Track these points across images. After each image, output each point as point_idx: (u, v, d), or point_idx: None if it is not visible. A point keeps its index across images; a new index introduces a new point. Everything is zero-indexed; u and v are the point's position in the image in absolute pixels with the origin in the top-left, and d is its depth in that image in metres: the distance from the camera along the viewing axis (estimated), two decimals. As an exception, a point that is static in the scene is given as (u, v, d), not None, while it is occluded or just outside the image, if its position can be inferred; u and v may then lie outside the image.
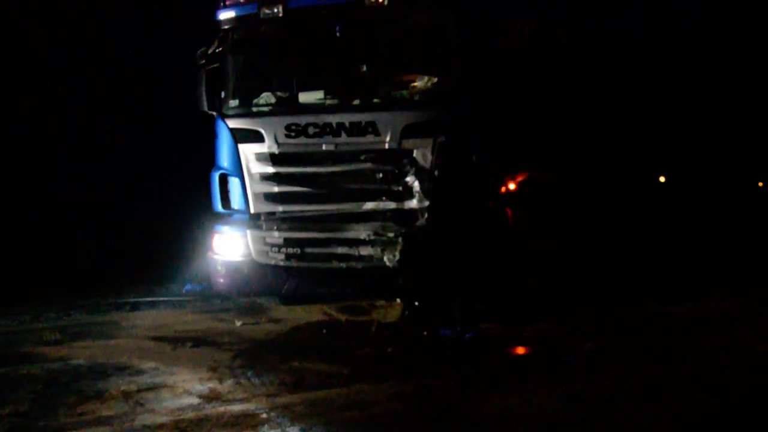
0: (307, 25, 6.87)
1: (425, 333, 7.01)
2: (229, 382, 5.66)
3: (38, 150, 10.14)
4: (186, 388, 5.55)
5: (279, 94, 6.96)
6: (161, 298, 8.71)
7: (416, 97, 6.73)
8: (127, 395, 5.37)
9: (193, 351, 6.55)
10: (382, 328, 7.25)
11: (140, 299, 8.69)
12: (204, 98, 7.20)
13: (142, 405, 5.20)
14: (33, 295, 8.88)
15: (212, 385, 5.60)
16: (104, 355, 6.40)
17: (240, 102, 7.04)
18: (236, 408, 5.11)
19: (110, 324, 7.56)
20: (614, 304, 7.78)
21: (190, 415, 4.99)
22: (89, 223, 10.13)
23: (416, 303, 7.45)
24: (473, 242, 7.02)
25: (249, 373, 5.88)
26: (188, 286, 9.34)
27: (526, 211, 11.75)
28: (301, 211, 6.86)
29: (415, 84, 6.77)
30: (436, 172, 6.72)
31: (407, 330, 7.16)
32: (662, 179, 12.36)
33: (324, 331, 7.22)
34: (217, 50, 6.98)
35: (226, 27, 6.97)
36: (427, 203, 6.66)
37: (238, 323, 7.53)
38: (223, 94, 7.08)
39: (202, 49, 7.11)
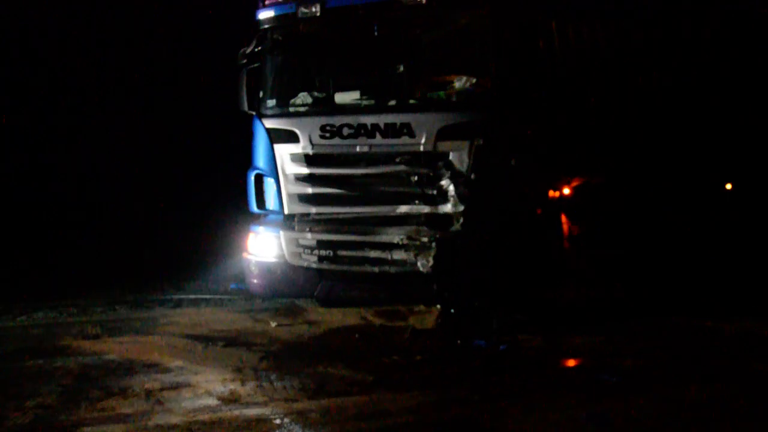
0: (345, 24, 6.78)
1: (458, 342, 6.80)
2: (251, 385, 5.63)
3: (87, 146, 10.48)
4: (208, 388, 5.55)
5: (315, 94, 6.91)
6: (204, 296, 8.82)
7: (453, 99, 6.53)
8: (149, 393, 5.42)
9: (223, 351, 6.56)
10: (416, 334, 7.07)
11: (184, 296, 8.83)
12: (245, 98, 7.22)
13: (161, 404, 5.23)
14: (85, 288, 9.16)
15: (234, 386, 5.58)
16: (137, 351, 6.50)
17: (277, 102, 7.03)
18: (252, 412, 5.07)
19: (149, 320, 7.69)
20: (662, 318, 7.33)
21: (205, 416, 4.97)
22: (142, 220, 10.37)
23: (452, 310, 7.27)
24: (517, 249, 6.76)
25: (272, 376, 5.83)
26: (234, 285, 9.42)
27: (581, 218, 11.37)
28: (335, 213, 6.78)
29: (453, 85, 6.57)
30: (472, 176, 6.51)
31: (441, 338, 6.97)
32: (728, 186, 11.72)
33: (356, 335, 7.12)
34: (256, 50, 6.98)
35: (265, 27, 6.96)
36: (462, 208, 6.44)
37: (273, 324, 7.51)
38: (261, 94, 7.09)
39: (243, 48, 7.12)
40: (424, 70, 6.73)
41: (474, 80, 6.53)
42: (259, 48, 7.00)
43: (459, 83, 6.56)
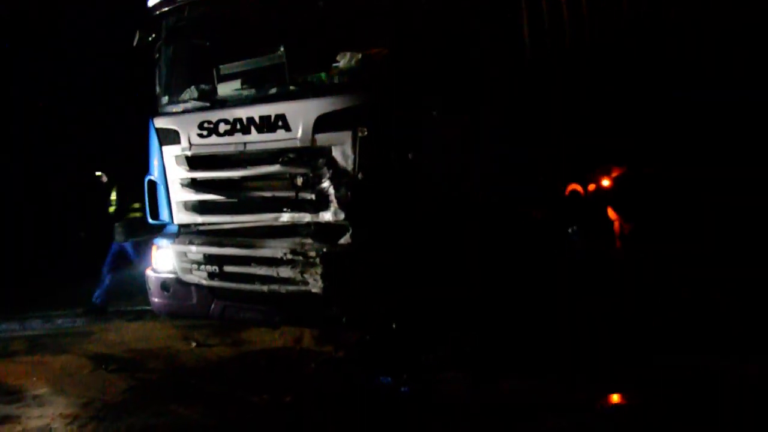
0: (228, 4, 5.79)
1: (363, 378, 5.58)
2: (75, 425, 5.00)
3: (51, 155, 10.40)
4: (29, 426, 5.02)
5: (202, 86, 5.98)
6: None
7: (335, 80, 5.28)
8: (-37, 430, 4.94)
9: (104, 377, 6.00)
10: (324, 365, 5.95)
11: (145, 308, 8.35)
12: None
13: (-39, 444, 4.72)
14: (72, 297, 9.04)
15: (57, 425, 5.03)
16: (21, 374, 6.14)
17: (168, 98, 6.21)
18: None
19: (80, 336, 7.35)
20: (666, 354, 5.53)
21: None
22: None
23: (367, 338, 6.03)
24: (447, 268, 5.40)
25: (110, 416, 5.17)
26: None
27: (632, 213, 9.56)
28: (220, 223, 5.84)
29: (337, 63, 5.32)
30: (359, 175, 5.23)
31: (351, 370, 5.79)
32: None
33: (262, 362, 6.16)
34: (145, 41, 6.21)
35: (154, 14, 6.16)
36: (343, 215, 5.20)
37: (193, 344, 6.78)
38: (157, 90, 6.32)
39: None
40: (310, 49, 5.54)
41: (360, 56, 5.24)
42: (152, 39, 6.24)
43: (344, 61, 5.30)
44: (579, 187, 8.11)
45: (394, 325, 5.54)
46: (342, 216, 5.25)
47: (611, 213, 9.17)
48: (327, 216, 5.33)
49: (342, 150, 5.24)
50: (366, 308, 5.46)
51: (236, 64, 5.77)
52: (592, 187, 8.53)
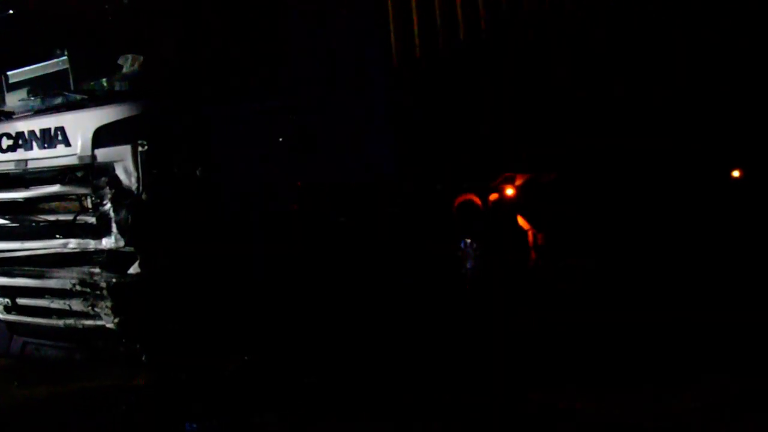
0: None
1: (166, 424, 4.98)
2: None
3: None
4: None
5: (-7, 96, 5.42)
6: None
7: (115, 87, 4.71)
8: None
9: None
10: (133, 408, 5.32)
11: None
12: None
13: None
14: None
15: None
16: None
17: (-33, 109, 5.64)
18: None
19: None
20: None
21: None
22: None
23: (183, 376, 5.41)
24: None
25: None
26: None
27: (543, 223, 9.02)
28: (10, 250, 5.25)
29: (120, 68, 4.74)
30: (143, 195, 4.63)
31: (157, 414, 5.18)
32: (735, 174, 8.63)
33: (72, 406, 5.54)
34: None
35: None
36: (123, 241, 4.60)
37: (15, 384, 6.15)
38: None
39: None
40: (101, 53, 4.96)
41: (142, 58, 4.66)
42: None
43: (126, 65, 4.72)
44: (475, 198, 7.53)
45: (201, 363, 5.03)
46: (122, 242, 4.67)
47: (523, 223, 8.57)
48: (109, 242, 4.73)
49: (124, 167, 4.64)
50: (166, 344, 4.92)
51: (23, 70, 5.23)
52: (494, 196, 7.95)
